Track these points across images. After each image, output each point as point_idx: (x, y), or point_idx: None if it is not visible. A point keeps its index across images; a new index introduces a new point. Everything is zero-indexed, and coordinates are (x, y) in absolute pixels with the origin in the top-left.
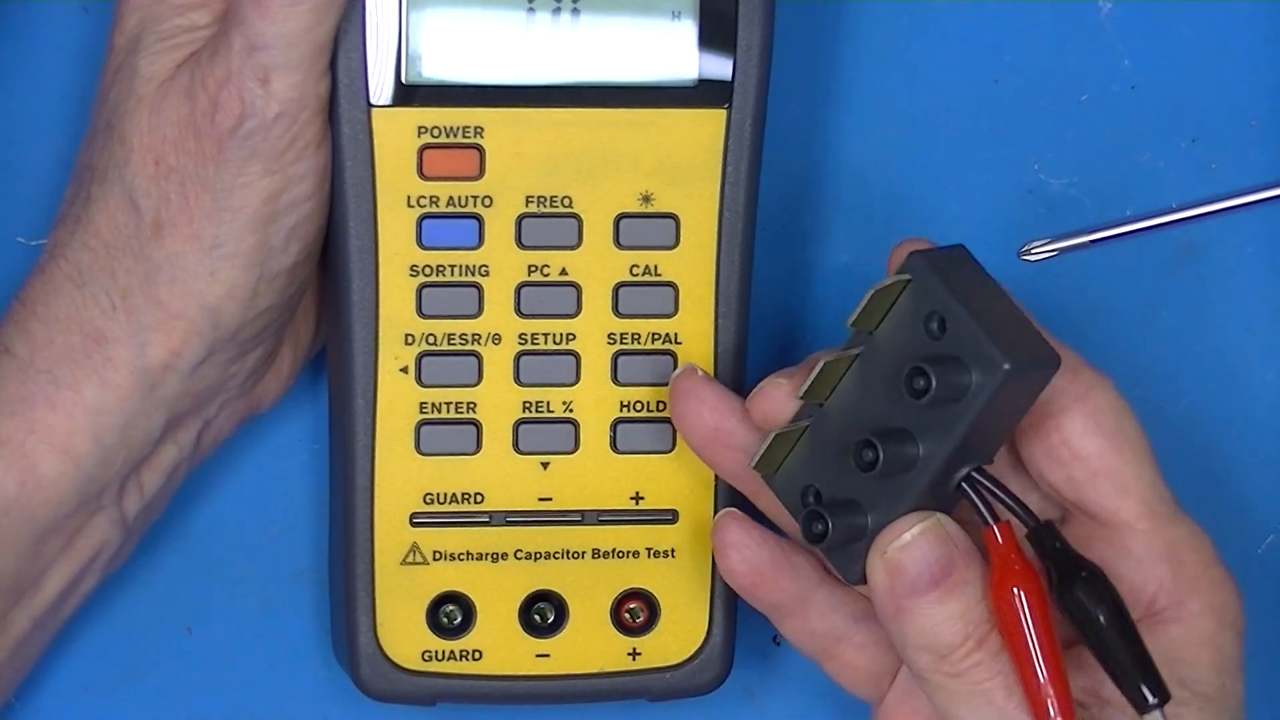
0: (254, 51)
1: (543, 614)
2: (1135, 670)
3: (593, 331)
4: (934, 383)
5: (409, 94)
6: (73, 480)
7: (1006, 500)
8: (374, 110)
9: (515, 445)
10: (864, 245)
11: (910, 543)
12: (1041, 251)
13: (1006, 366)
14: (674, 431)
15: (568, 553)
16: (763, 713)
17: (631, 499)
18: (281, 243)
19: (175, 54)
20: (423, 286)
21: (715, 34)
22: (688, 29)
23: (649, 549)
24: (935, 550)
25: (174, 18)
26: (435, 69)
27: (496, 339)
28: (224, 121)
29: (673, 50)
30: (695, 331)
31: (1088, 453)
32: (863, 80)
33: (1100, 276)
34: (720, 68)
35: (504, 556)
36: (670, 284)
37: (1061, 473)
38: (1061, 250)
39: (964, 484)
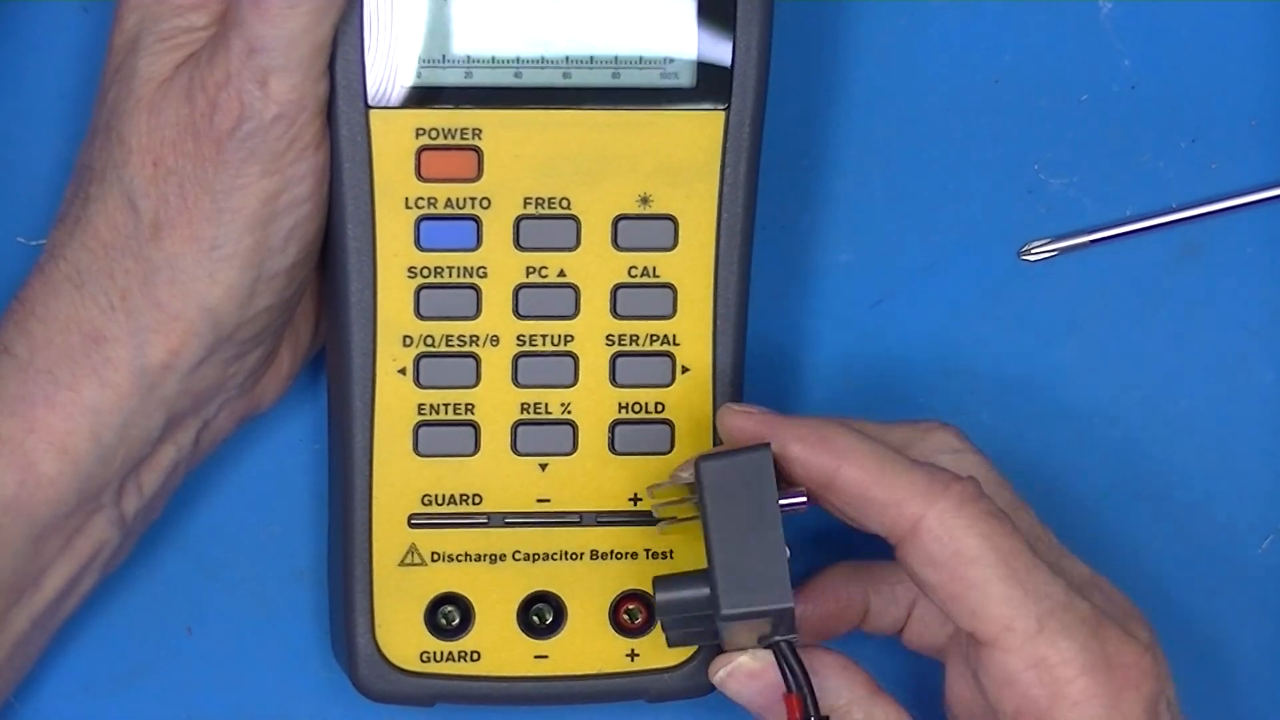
0: (253, 54)
1: (541, 615)
2: None
3: (591, 333)
4: (655, 604)
5: (407, 95)
6: (72, 479)
7: (800, 680)
8: (372, 112)
9: (513, 446)
10: (864, 245)
11: (722, 682)
12: (1041, 251)
13: (724, 612)
14: (672, 433)
15: (566, 554)
16: None
17: (630, 500)
18: (280, 243)
19: (174, 55)
20: (421, 288)
21: (713, 35)
22: (687, 30)
23: (647, 550)
24: (746, 689)
25: (173, 18)
26: (433, 70)
27: (495, 340)
28: (222, 123)
29: (671, 51)
30: (693, 333)
31: (932, 584)
32: (863, 80)
33: (1100, 276)
34: (719, 69)
35: (502, 558)
36: (669, 285)
37: (925, 598)
38: (1061, 250)
39: (775, 646)
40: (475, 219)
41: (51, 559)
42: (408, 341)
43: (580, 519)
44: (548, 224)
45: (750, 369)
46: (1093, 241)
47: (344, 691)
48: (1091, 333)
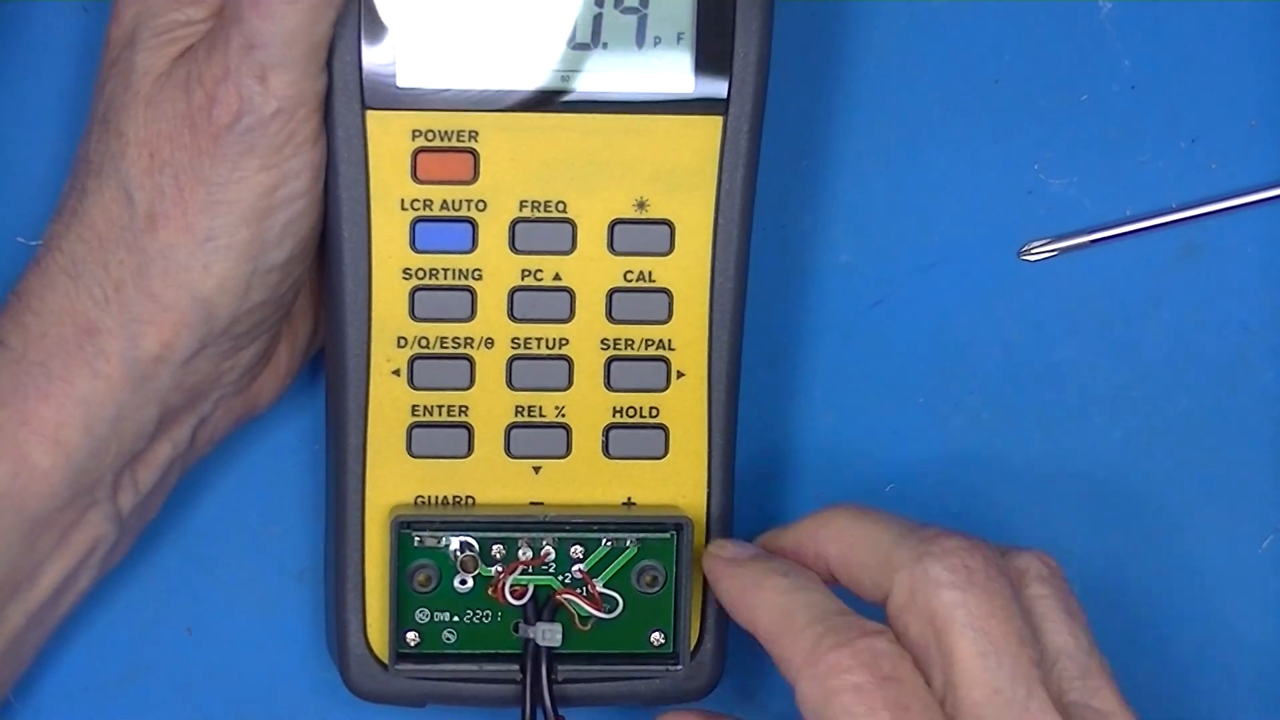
0: (251, 49)
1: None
2: None
3: (585, 337)
4: None
5: (404, 97)
6: (64, 471)
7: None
8: (369, 113)
9: (507, 449)
10: (864, 245)
11: None
12: (1041, 251)
13: None
14: (666, 437)
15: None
16: (762, 713)
17: (623, 504)
18: (276, 238)
19: (171, 49)
20: (416, 290)
21: (712, 41)
22: (685, 35)
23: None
24: None
25: (170, 12)
26: (431, 72)
27: (489, 343)
28: (221, 117)
29: (670, 57)
30: (688, 338)
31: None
32: (863, 80)
33: (1100, 276)
34: (717, 75)
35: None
36: (664, 290)
37: None
38: (1061, 250)
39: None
40: (471, 221)
41: (47, 554)
42: (402, 343)
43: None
44: (543, 227)
45: (749, 369)
46: (1093, 241)
47: (343, 691)
48: (1091, 333)
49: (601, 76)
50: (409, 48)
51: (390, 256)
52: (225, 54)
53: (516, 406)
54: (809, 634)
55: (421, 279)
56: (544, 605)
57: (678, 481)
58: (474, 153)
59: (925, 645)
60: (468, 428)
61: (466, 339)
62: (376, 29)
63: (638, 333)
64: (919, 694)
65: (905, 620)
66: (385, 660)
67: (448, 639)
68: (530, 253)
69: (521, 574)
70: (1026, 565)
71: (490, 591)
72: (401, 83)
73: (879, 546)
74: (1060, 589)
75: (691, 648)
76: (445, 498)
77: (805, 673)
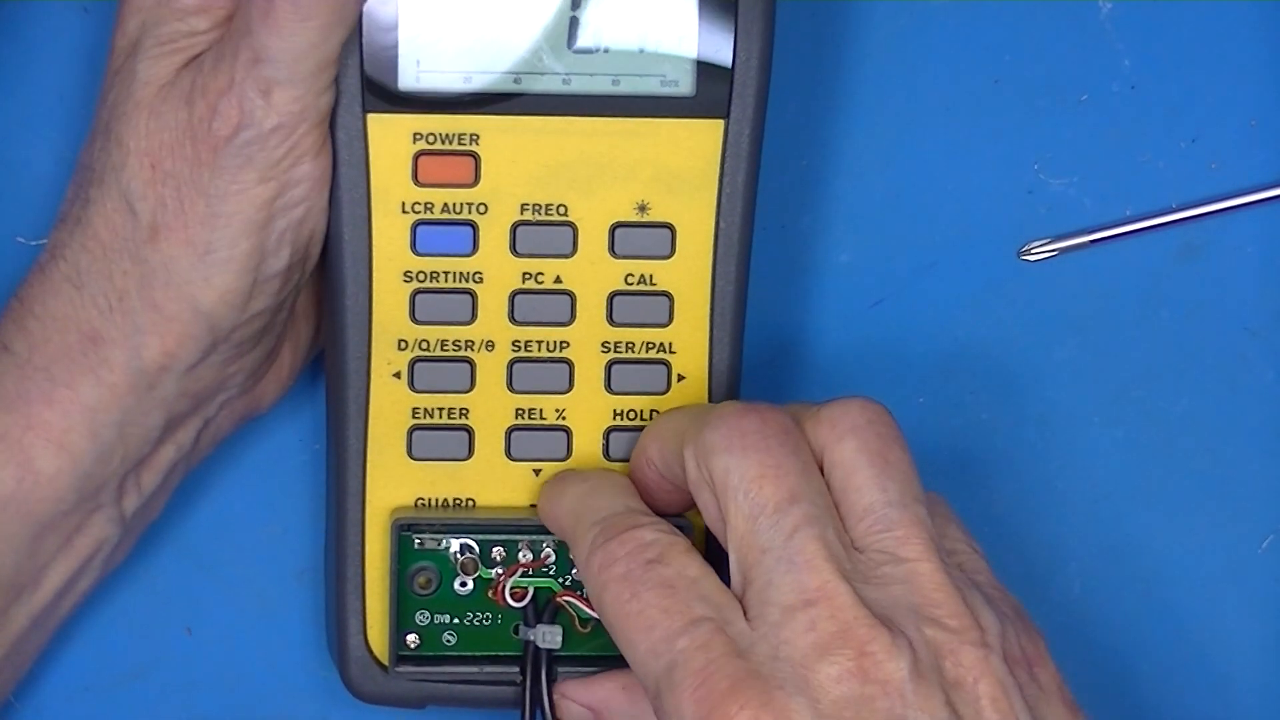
0: (258, 63)
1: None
2: None
3: (586, 340)
4: None
5: (405, 100)
6: (70, 477)
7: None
8: (369, 116)
9: (507, 452)
10: (864, 245)
11: None
12: (1041, 251)
13: None
14: None
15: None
16: None
17: None
18: (274, 245)
19: (174, 59)
20: (416, 292)
21: (714, 45)
22: (687, 39)
23: None
24: None
25: (174, 22)
26: (431, 75)
27: (490, 346)
28: (221, 129)
29: (671, 60)
30: (689, 341)
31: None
32: (863, 80)
33: (1100, 276)
34: (719, 78)
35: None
36: (665, 293)
37: None
38: (1061, 250)
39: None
40: (472, 224)
41: (51, 557)
42: (403, 345)
43: None
44: (544, 230)
45: (750, 369)
46: (1093, 241)
47: (343, 692)
48: (1091, 333)
49: (603, 80)
50: (409, 50)
51: (391, 259)
52: (232, 66)
53: (517, 409)
54: (589, 535)
55: (422, 282)
56: (544, 608)
57: None
58: (475, 156)
59: (717, 515)
60: (468, 430)
61: (467, 342)
62: (377, 32)
63: (638, 336)
64: (686, 574)
65: (701, 496)
66: (385, 662)
67: (448, 641)
68: (531, 256)
69: (522, 576)
70: (838, 418)
71: (490, 594)
72: (402, 85)
73: (676, 432)
74: (871, 440)
75: None
76: (446, 500)
77: (584, 572)
